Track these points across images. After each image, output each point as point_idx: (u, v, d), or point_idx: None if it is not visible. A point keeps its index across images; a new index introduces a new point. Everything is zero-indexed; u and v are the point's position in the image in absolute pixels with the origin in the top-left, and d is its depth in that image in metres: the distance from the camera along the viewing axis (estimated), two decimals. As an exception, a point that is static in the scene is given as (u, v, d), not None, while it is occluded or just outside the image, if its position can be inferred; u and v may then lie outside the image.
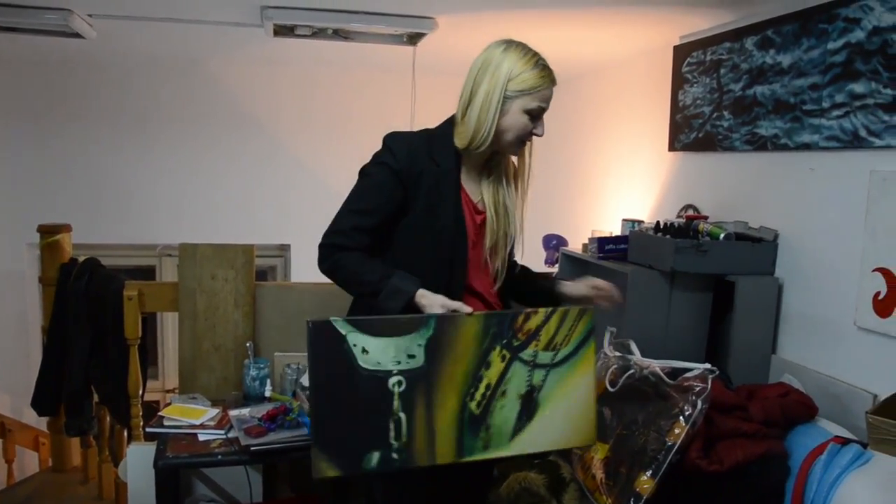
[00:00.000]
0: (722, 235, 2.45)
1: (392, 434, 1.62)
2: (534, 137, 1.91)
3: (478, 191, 1.96)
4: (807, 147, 2.34)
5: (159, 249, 4.87)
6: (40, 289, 3.53)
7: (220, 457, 2.35)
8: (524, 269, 2.20)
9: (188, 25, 3.25)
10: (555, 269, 3.41)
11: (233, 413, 2.55)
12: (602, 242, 2.77)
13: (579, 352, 1.77)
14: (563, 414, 1.76)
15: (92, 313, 3.23)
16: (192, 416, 2.57)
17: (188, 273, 2.86)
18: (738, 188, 2.73)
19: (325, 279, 3.08)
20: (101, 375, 3.28)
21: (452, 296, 1.80)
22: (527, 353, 1.72)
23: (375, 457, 1.62)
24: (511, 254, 2.07)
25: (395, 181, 1.84)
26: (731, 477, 1.94)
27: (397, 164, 1.83)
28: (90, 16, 3.05)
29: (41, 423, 3.98)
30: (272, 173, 4.96)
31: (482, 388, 1.69)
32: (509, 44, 1.85)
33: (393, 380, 1.63)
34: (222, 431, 2.47)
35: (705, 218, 2.71)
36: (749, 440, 1.99)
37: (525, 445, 1.73)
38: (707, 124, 2.87)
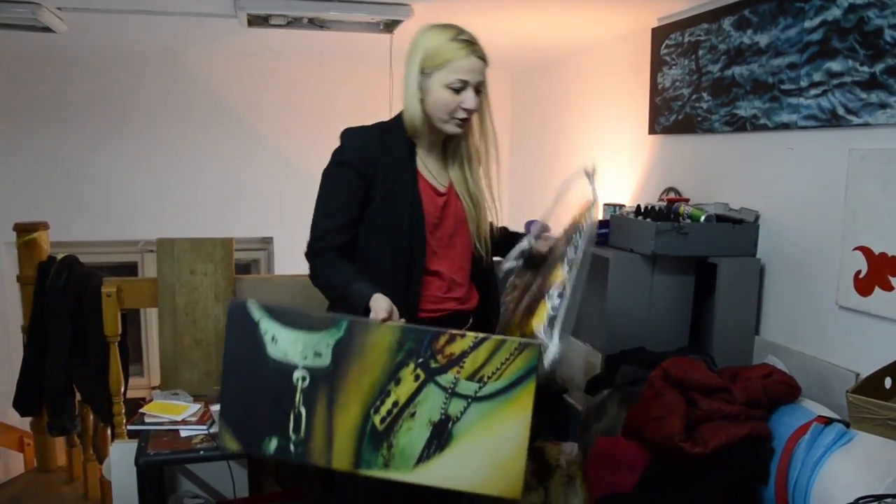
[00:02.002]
0: (703, 217, 2.44)
1: (291, 426, 1.62)
2: (492, 114, 1.90)
3: (441, 174, 1.95)
4: (786, 127, 2.34)
5: (141, 245, 4.83)
6: (19, 288, 3.47)
7: (202, 452, 2.33)
8: (504, 230, 2.19)
9: (160, 17, 3.20)
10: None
11: (214, 408, 2.53)
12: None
13: (513, 390, 1.60)
14: (483, 455, 1.61)
15: (71, 311, 3.19)
16: (174, 412, 2.55)
17: (167, 268, 2.82)
18: (719, 170, 2.72)
19: (301, 270, 3.07)
20: (83, 374, 3.24)
21: (413, 278, 1.84)
22: (445, 379, 1.60)
23: (274, 443, 1.62)
24: (491, 229, 2.06)
25: (355, 177, 1.84)
26: (715, 459, 1.93)
27: (353, 160, 1.84)
28: (60, 9, 2.99)
29: (25, 424, 3.93)
30: (253, 166, 4.92)
31: (388, 404, 1.62)
32: (432, 25, 1.85)
33: (297, 374, 1.62)
34: (204, 427, 2.45)
35: (686, 200, 2.70)
36: (732, 422, 1.99)
37: (431, 476, 1.62)
38: (686, 106, 2.85)
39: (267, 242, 5.06)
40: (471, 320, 2.00)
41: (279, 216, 4.89)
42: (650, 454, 2.08)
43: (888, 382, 1.59)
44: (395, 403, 1.61)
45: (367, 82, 4.49)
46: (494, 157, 1.96)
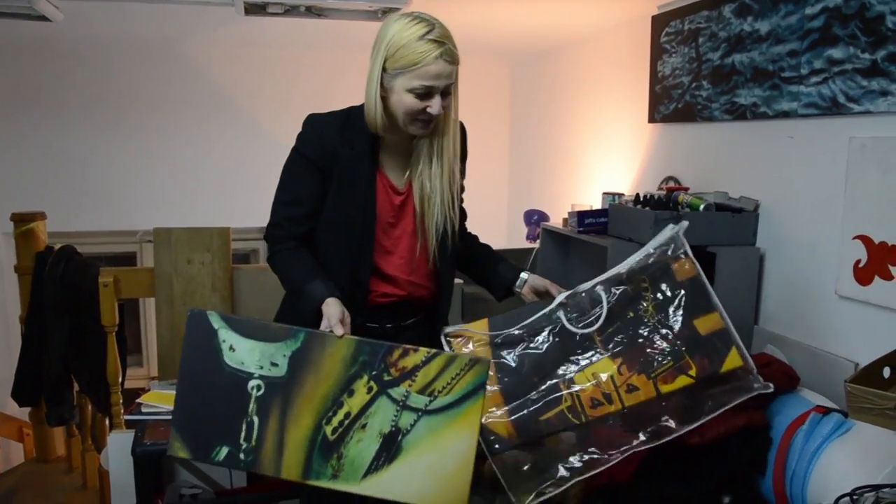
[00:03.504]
0: (702, 206, 2.43)
1: (243, 434, 1.61)
2: (457, 115, 1.81)
3: (403, 171, 1.86)
4: (786, 115, 2.32)
5: (139, 235, 4.82)
6: (17, 278, 3.47)
7: (198, 443, 2.32)
8: (487, 249, 2.08)
9: (157, 6, 3.19)
10: (535, 245, 3.39)
11: (212, 398, 2.52)
12: (582, 216, 2.74)
13: (462, 404, 1.62)
14: (431, 468, 1.62)
15: (69, 301, 3.19)
16: (171, 402, 2.53)
17: (164, 258, 2.82)
18: (718, 158, 2.70)
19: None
20: (80, 364, 3.24)
21: (360, 278, 1.80)
22: (397, 391, 1.62)
23: (224, 451, 1.62)
24: (462, 229, 1.98)
25: (313, 168, 1.80)
26: (713, 449, 1.93)
27: (311, 152, 1.80)
28: (56, -3, 2.98)
29: (25, 414, 3.94)
30: (251, 156, 4.90)
31: (340, 415, 1.62)
32: (402, 16, 1.72)
33: (252, 382, 1.62)
34: (201, 417, 2.44)
35: (685, 189, 2.68)
36: (730, 412, 1.96)
37: (378, 488, 1.63)
38: (686, 94, 2.83)
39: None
40: (418, 314, 1.95)
41: (278, 206, 4.87)
42: (648, 444, 2.07)
43: (887, 372, 1.59)
44: (348, 415, 1.62)
45: (365, 70, 4.45)
46: (458, 155, 1.86)
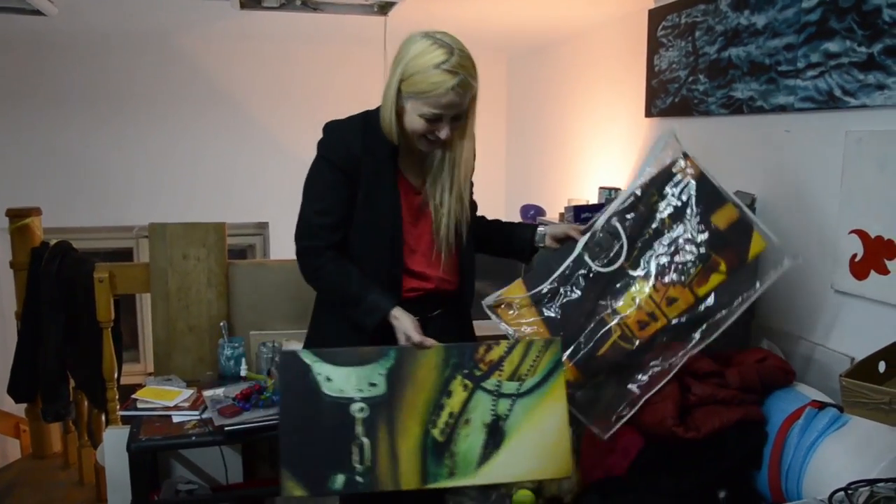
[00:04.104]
0: (698, 201, 2.42)
1: (356, 458, 1.68)
2: (473, 129, 1.87)
3: (418, 172, 1.92)
4: (782, 109, 2.31)
5: (136, 231, 4.80)
6: (12, 274, 3.46)
7: (193, 438, 2.32)
8: (497, 223, 2.17)
9: (152, 0, 3.17)
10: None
11: (207, 393, 2.52)
12: (578, 211, 2.74)
13: (548, 381, 1.78)
14: (534, 444, 1.75)
15: (64, 297, 3.18)
16: (167, 397, 2.54)
17: (159, 253, 2.81)
18: (715, 152, 2.69)
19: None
20: (76, 360, 3.24)
21: (394, 278, 1.88)
22: (490, 383, 1.75)
23: (340, 479, 1.67)
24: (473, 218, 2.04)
25: (341, 175, 1.84)
26: (709, 444, 1.92)
27: (338, 158, 1.84)
28: (49, -9, 2.96)
29: (21, 410, 3.93)
30: (248, 151, 4.88)
31: (444, 416, 1.73)
32: (425, 36, 1.74)
33: (355, 406, 1.70)
34: (196, 412, 2.43)
35: (682, 184, 2.67)
36: (726, 407, 1.97)
37: (494, 475, 1.74)
38: (683, 88, 2.82)
39: (262, 227, 5.04)
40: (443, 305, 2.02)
41: (275, 201, 4.86)
42: (644, 439, 2.07)
43: (882, 366, 1.58)
44: (451, 414, 1.74)
45: (362, 64, 4.46)
46: (471, 165, 1.93)
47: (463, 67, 1.71)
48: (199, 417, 2.41)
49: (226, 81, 4.81)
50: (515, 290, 2.04)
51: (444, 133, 1.76)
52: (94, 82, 4.60)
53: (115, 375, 2.96)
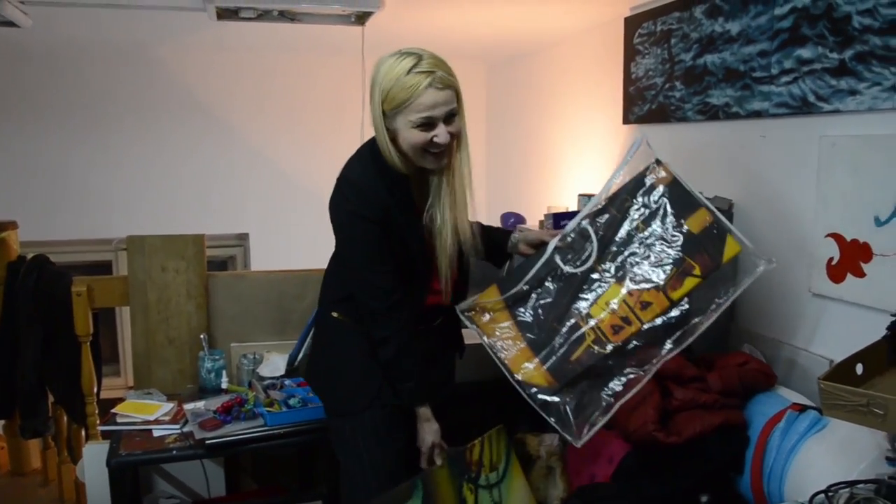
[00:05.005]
0: (677, 207, 2.43)
1: None
2: (467, 141, 1.87)
3: (423, 202, 1.92)
4: (758, 115, 2.33)
5: (115, 244, 4.75)
6: (-12, 288, 3.42)
7: (174, 452, 2.30)
8: (478, 226, 2.15)
9: (129, 11, 3.15)
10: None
11: (188, 407, 2.50)
12: (557, 218, 2.75)
13: (510, 461, 2.11)
14: None
15: (42, 311, 3.15)
16: (147, 411, 2.52)
17: (137, 266, 2.79)
18: (693, 158, 2.71)
19: (278, 266, 3.04)
20: (55, 375, 3.20)
21: (421, 303, 1.96)
22: (482, 480, 2.03)
23: None
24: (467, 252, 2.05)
25: (379, 229, 1.83)
26: (690, 449, 1.93)
27: (373, 213, 1.82)
28: (23, 3, 2.93)
29: (-1, 427, 3.88)
30: (228, 162, 4.86)
31: None
32: (391, 55, 1.76)
33: None
34: (177, 426, 2.42)
35: (661, 190, 2.69)
36: (707, 411, 1.99)
37: None
38: (660, 95, 2.85)
39: (243, 239, 5.01)
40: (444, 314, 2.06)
41: (256, 212, 4.85)
42: (628, 444, 2.07)
43: (860, 368, 1.60)
44: None
45: (341, 74, 4.46)
46: (468, 174, 1.92)
47: (435, 66, 1.72)
48: (179, 431, 2.39)
49: (204, 92, 4.79)
50: (489, 295, 2.05)
51: (441, 136, 1.74)
52: (71, 93, 4.56)
53: (95, 390, 2.93)
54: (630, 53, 3.06)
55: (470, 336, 2.14)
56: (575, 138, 3.76)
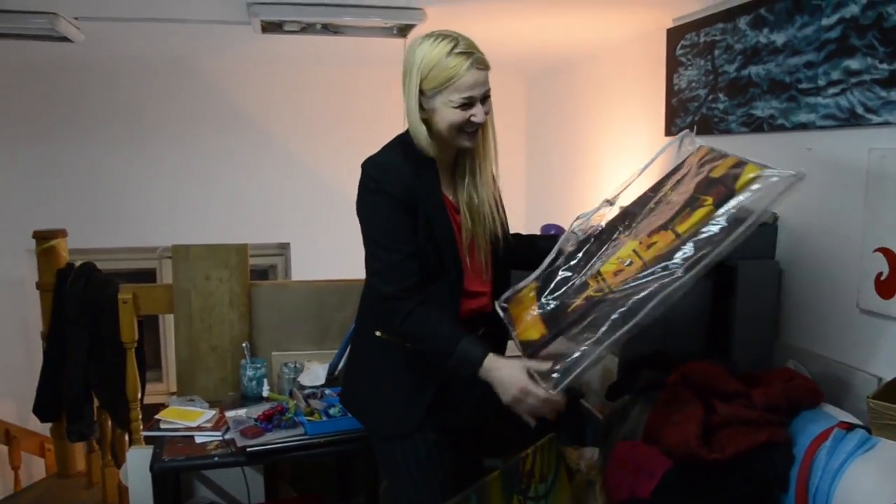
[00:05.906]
0: (720, 219, 2.40)
1: None
2: (493, 122, 1.88)
3: (452, 191, 1.92)
4: (804, 127, 2.30)
5: (159, 252, 4.85)
6: (38, 295, 3.51)
7: (216, 458, 2.33)
8: (518, 236, 2.15)
9: (175, 25, 3.22)
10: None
11: (229, 414, 2.53)
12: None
13: (559, 472, 2.11)
14: None
15: (89, 318, 3.22)
16: (189, 418, 2.55)
17: (182, 274, 2.84)
18: (736, 171, 2.68)
19: (318, 276, 3.06)
20: (100, 380, 3.27)
21: (457, 303, 1.88)
22: (532, 492, 2.02)
23: None
24: (506, 237, 2.02)
25: (402, 206, 1.80)
26: (733, 466, 1.90)
27: (396, 189, 1.79)
28: (76, 19, 3.01)
29: (46, 430, 3.97)
30: (268, 172, 4.93)
31: None
32: (425, 38, 1.78)
33: None
34: (219, 433, 2.45)
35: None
36: (751, 428, 1.95)
37: None
38: (703, 107, 2.82)
39: (284, 248, 5.07)
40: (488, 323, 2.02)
41: (296, 222, 4.90)
42: (669, 460, 2.05)
43: (910, 387, 1.56)
44: None
45: (380, 84, 4.51)
46: (494, 161, 1.93)
47: (473, 47, 1.78)
48: (221, 438, 2.42)
49: (244, 103, 4.87)
50: (529, 286, 2.01)
51: (479, 115, 1.77)
52: (117, 105, 4.68)
53: (139, 395, 2.99)
54: (672, 65, 3.04)
55: (511, 349, 2.13)
56: (616, 150, 3.73)
